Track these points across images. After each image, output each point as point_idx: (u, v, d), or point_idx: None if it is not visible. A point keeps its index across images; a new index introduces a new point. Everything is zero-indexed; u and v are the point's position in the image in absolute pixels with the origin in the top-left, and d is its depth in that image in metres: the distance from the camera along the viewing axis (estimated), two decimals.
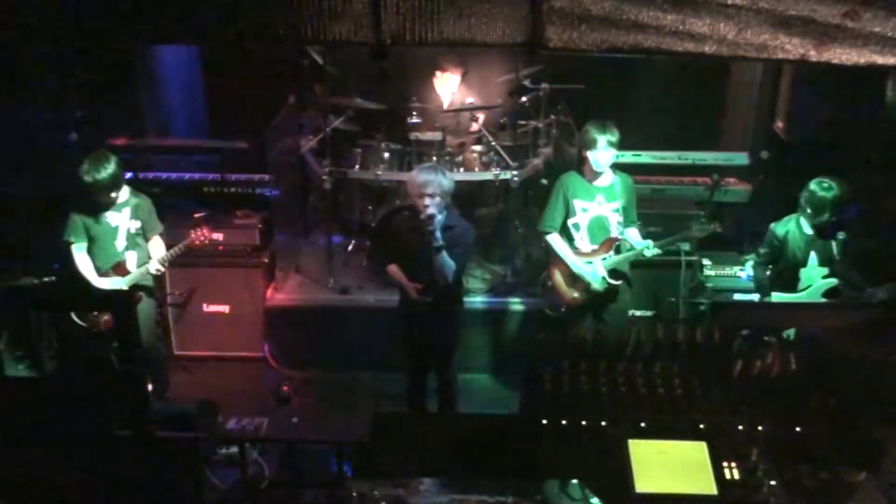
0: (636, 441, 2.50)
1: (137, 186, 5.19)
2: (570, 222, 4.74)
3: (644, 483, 2.40)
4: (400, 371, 4.99)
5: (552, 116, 6.11)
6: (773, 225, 4.73)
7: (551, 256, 4.91)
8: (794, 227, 4.63)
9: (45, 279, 4.96)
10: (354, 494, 2.42)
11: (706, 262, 5.74)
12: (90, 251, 4.73)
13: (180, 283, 5.72)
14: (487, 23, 2.39)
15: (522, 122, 6.29)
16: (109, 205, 4.67)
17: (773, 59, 2.46)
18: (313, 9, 2.38)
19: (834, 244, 4.58)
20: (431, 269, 4.37)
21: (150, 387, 4.95)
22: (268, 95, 6.35)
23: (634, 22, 2.37)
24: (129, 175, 5.77)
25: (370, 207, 6.18)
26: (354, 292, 5.85)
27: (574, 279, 4.79)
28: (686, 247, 5.51)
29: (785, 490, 2.39)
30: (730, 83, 6.96)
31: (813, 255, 4.62)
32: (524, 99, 6.08)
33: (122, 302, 4.75)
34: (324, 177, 5.73)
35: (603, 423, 2.57)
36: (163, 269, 4.83)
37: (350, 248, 6.39)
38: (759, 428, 2.57)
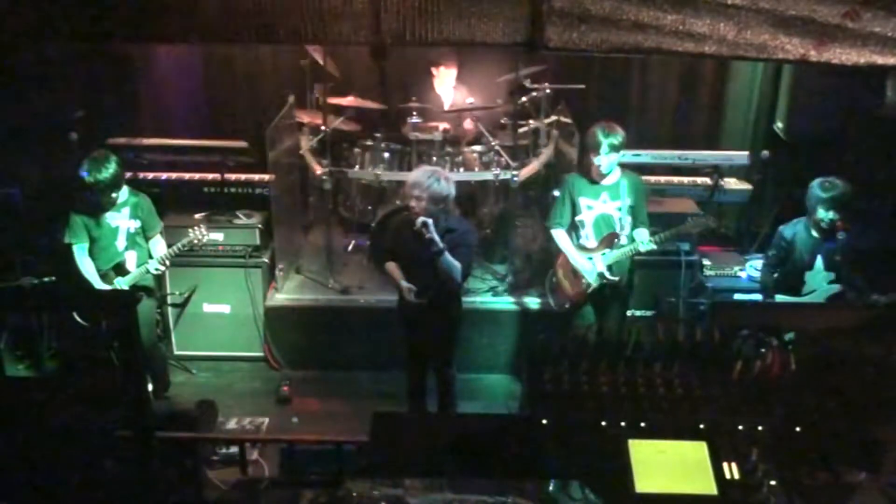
0: (636, 441, 2.50)
1: (137, 186, 5.19)
2: (576, 219, 4.82)
3: (644, 483, 2.39)
4: (400, 371, 5.00)
5: (552, 116, 6.11)
6: (781, 227, 4.77)
7: (557, 252, 4.97)
8: (801, 230, 4.65)
9: (45, 279, 4.96)
10: (354, 494, 2.42)
11: (706, 262, 5.74)
12: (91, 251, 4.73)
13: (180, 283, 5.72)
14: (487, 23, 2.39)
15: (522, 122, 6.29)
16: (110, 205, 4.67)
17: (773, 59, 2.46)
18: (313, 9, 2.38)
19: (838, 245, 4.59)
20: (429, 269, 4.37)
21: (150, 387, 4.98)
22: (268, 95, 6.35)
23: (634, 22, 2.37)
24: (128, 175, 5.78)
25: (370, 207, 6.18)
26: (354, 292, 5.85)
27: (576, 274, 4.84)
28: (686, 247, 5.52)
29: (785, 490, 2.39)
30: (730, 83, 6.97)
31: (819, 259, 4.62)
32: (524, 99, 6.08)
33: (122, 302, 4.76)
34: (324, 177, 5.73)
35: (603, 423, 2.56)
36: (162, 268, 4.84)
37: (350, 248, 6.39)
38: (759, 428, 2.56)
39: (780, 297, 4.77)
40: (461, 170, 5.88)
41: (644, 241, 4.65)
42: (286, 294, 5.89)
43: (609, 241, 4.76)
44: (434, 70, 6.28)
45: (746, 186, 6.21)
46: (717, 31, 2.39)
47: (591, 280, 4.77)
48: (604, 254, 4.76)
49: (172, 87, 6.93)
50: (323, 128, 5.77)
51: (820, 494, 2.43)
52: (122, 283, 4.71)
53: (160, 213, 5.06)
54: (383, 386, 5.44)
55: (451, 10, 2.36)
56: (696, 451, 2.49)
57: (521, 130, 6.27)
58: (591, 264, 4.76)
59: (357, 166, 5.92)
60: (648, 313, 5.72)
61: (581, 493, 2.54)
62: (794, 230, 4.69)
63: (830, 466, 2.49)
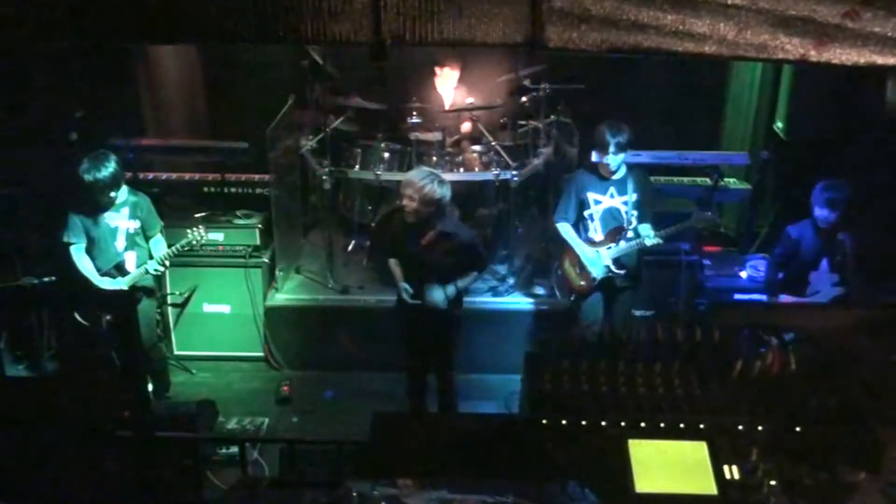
0: (636, 441, 2.50)
1: (137, 186, 5.19)
2: (585, 213, 4.91)
3: (644, 483, 2.39)
4: (400, 371, 5.00)
5: (552, 116, 6.11)
6: (788, 227, 4.81)
7: (563, 245, 5.05)
8: (808, 231, 4.69)
9: (45, 279, 4.96)
10: (354, 494, 2.42)
11: (706, 262, 5.74)
12: (90, 252, 4.73)
13: (180, 283, 5.72)
14: (487, 23, 2.38)
15: (522, 122, 6.29)
16: (109, 204, 4.67)
17: (773, 59, 2.45)
18: (313, 9, 2.38)
19: (842, 246, 4.61)
20: (427, 269, 4.38)
21: (150, 387, 4.99)
22: (268, 95, 6.35)
23: (634, 22, 2.37)
24: (128, 175, 5.78)
25: (370, 207, 6.18)
26: (354, 292, 5.86)
27: (581, 267, 4.91)
28: (686, 247, 5.53)
29: (785, 490, 2.39)
30: (730, 83, 6.97)
31: (824, 261, 4.65)
32: (524, 99, 6.09)
33: (122, 302, 4.76)
34: (324, 177, 5.73)
35: (603, 423, 2.56)
36: (162, 269, 4.84)
37: (350, 248, 6.39)
38: (759, 428, 2.56)
39: (783, 297, 4.80)
40: (461, 170, 5.88)
41: (650, 235, 4.72)
42: (286, 294, 5.89)
43: (615, 234, 4.83)
44: (437, 70, 6.28)
45: (746, 186, 6.22)
46: (717, 31, 2.39)
47: (596, 272, 4.84)
48: (610, 247, 4.83)
49: (172, 88, 6.93)
50: (323, 128, 5.77)
51: (820, 494, 2.42)
52: (121, 284, 4.71)
53: (160, 214, 5.06)
54: (383, 386, 5.44)
55: (451, 10, 2.36)
56: (696, 451, 2.49)
57: (521, 130, 6.27)
58: (597, 256, 4.84)
59: (357, 166, 5.92)
60: (648, 313, 5.72)
61: (581, 493, 2.54)
62: (800, 231, 4.73)
63: (830, 466, 2.48)
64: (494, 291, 5.88)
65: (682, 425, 2.57)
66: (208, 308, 5.82)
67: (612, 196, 4.81)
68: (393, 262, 4.60)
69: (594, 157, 4.84)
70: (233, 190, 6.13)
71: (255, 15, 2.40)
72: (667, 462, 2.46)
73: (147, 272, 4.76)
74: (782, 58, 2.43)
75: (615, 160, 4.68)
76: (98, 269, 4.73)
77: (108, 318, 4.69)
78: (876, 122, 4.95)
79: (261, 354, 5.85)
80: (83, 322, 4.74)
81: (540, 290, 5.87)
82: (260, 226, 5.80)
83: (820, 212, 4.55)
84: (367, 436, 2.69)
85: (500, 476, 2.53)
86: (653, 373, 2.74)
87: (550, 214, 5.51)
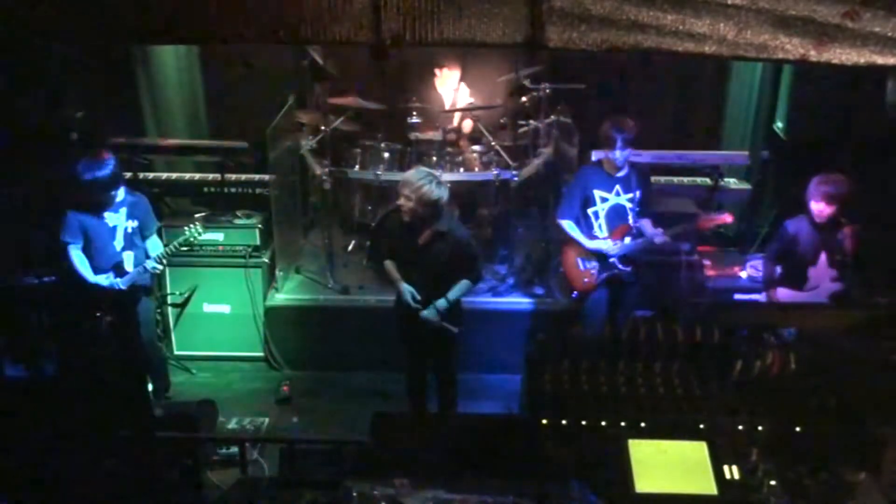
0: (636, 441, 2.50)
1: (137, 186, 5.19)
2: (589, 211, 4.89)
3: (644, 483, 2.40)
4: (400, 371, 4.99)
5: (552, 116, 6.11)
6: (786, 221, 4.81)
7: (564, 243, 5.04)
8: (805, 226, 4.69)
9: (45, 279, 4.96)
10: (354, 494, 2.42)
11: (706, 262, 5.74)
12: (88, 252, 4.72)
13: (180, 283, 5.73)
14: (487, 23, 2.39)
15: (522, 122, 6.29)
16: (107, 204, 4.67)
17: (773, 59, 2.46)
18: (313, 9, 2.38)
19: (841, 243, 4.62)
20: (426, 271, 4.38)
21: (150, 387, 4.99)
22: (268, 95, 6.35)
23: (634, 22, 2.37)
24: (128, 175, 5.78)
25: (370, 207, 6.18)
26: (354, 292, 5.85)
27: (585, 262, 4.92)
28: (686, 247, 5.52)
29: (785, 490, 2.39)
30: (730, 83, 6.97)
31: (822, 256, 4.65)
32: (524, 99, 6.09)
33: (121, 302, 4.77)
34: (324, 177, 5.73)
35: (603, 423, 2.57)
36: (160, 267, 4.83)
37: (350, 248, 6.39)
38: (759, 428, 2.57)
39: (782, 291, 4.80)
40: (461, 170, 5.88)
41: (658, 234, 4.74)
42: (286, 294, 5.89)
43: (621, 232, 4.84)
44: (437, 71, 6.28)
45: (746, 186, 6.22)
46: (717, 31, 2.39)
47: (612, 252, 4.83)
48: (616, 244, 4.85)
49: (173, 87, 6.93)
50: (323, 128, 5.77)
51: (820, 494, 2.42)
52: (120, 284, 4.71)
53: (160, 213, 5.06)
54: (383, 386, 5.44)
55: (451, 10, 2.37)
56: (696, 451, 2.49)
57: (521, 130, 6.27)
58: (607, 245, 4.85)
59: (357, 166, 5.92)
60: (648, 313, 5.72)
61: (581, 493, 2.54)
62: (797, 225, 4.73)
63: (830, 466, 2.49)
64: (494, 291, 5.88)
65: (682, 425, 2.57)
66: (208, 308, 5.81)
67: (617, 194, 4.82)
68: (389, 264, 4.58)
69: (596, 154, 4.84)
70: (233, 190, 6.12)
71: (255, 15, 2.40)
72: (667, 462, 2.46)
73: (145, 271, 4.76)
74: (782, 58, 2.43)
75: (622, 155, 4.69)
76: (96, 269, 4.72)
77: (108, 318, 4.69)
78: (876, 121, 4.96)
79: (261, 354, 5.84)
80: (83, 322, 4.73)
81: (539, 290, 5.87)
82: (260, 226, 5.79)
83: (815, 206, 4.56)
84: (367, 436, 2.69)
85: (500, 476, 2.54)
86: (653, 373, 2.75)
87: (551, 214, 5.50)
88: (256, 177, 6.17)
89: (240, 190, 6.16)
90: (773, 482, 2.39)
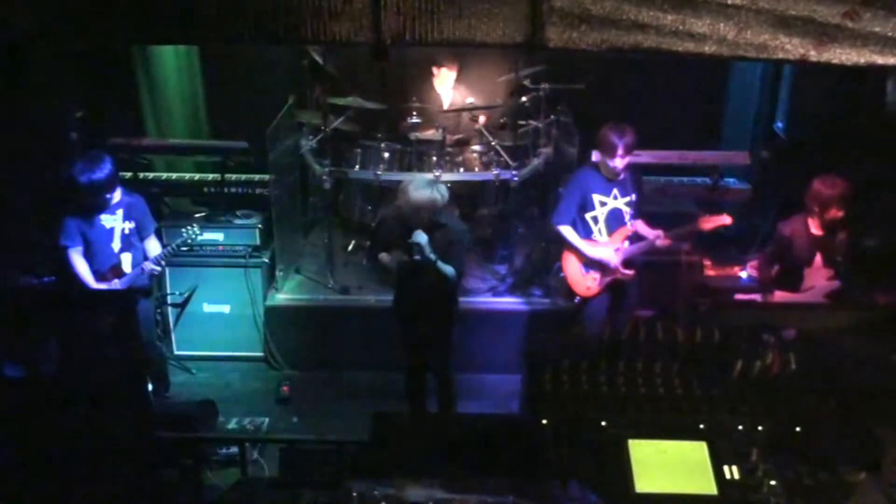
0: (636, 441, 2.50)
1: (137, 186, 5.18)
2: (588, 216, 4.85)
3: (644, 483, 2.39)
4: (400, 371, 4.99)
5: (552, 116, 6.11)
6: (780, 224, 4.78)
7: (564, 248, 4.99)
8: (801, 227, 4.67)
9: (45, 279, 4.96)
10: (354, 494, 2.42)
11: (706, 262, 5.74)
12: (86, 255, 4.71)
13: (180, 283, 5.73)
14: (487, 23, 2.39)
15: (522, 122, 6.29)
16: (104, 206, 4.65)
17: (773, 59, 2.46)
18: (313, 9, 2.38)
19: (838, 243, 4.61)
20: (424, 270, 4.37)
21: (150, 387, 4.98)
22: (268, 95, 6.35)
23: (634, 22, 2.37)
24: (128, 175, 5.78)
25: (370, 207, 6.18)
26: (354, 292, 5.86)
27: (587, 268, 4.89)
28: (686, 247, 5.52)
29: (785, 490, 2.39)
30: (730, 83, 6.96)
31: (818, 257, 4.64)
32: (524, 99, 6.09)
33: (121, 302, 4.76)
34: (324, 177, 5.73)
35: (603, 423, 2.56)
36: (158, 269, 4.81)
37: (350, 248, 6.39)
38: (759, 428, 2.56)
39: (778, 294, 4.79)
40: (461, 170, 5.88)
41: (659, 236, 4.74)
42: (286, 294, 5.89)
43: (622, 236, 4.82)
44: (434, 70, 6.28)
45: (746, 186, 6.22)
46: (717, 31, 2.39)
47: (612, 262, 4.79)
48: (618, 249, 4.83)
49: (172, 87, 6.93)
50: (323, 128, 5.77)
51: (820, 494, 2.42)
52: (118, 285, 4.70)
53: (160, 214, 5.06)
54: (383, 386, 5.44)
55: (451, 10, 2.37)
56: (696, 451, 2.49)
57: (521, 130, 6.27)
58: (609, 254, 4.81)
59: (357, 166, 5.92)
60: (648, 313, 5.72)
61: (581, 493, 2.54)
62: (793, 227, 4.70)
63: (830, 466, 2.49)
64: (494, 291, 5.88)
65: (682, 425, 2.57)
66: (208, 308, 5.82)
67: (615, 197, 4.80)
68: (383, 255, 4.59)
69: (595, 156, 4.82)
70: (233, 190, 6.12)
71: (255, 15, 2.40)
72: (667, 462, 2.46)
73: (143, 272, 4.75)
74: (782, 58, 2.43)
75: (622, 163, 4.66)
76: (94, 272, 4.71)
77: (107, 318, 4.68)
78: (876, 121, 4.96)
79: (261, 354, 5.84)
80: (83, 322, 4.73)
81: (539, 291, 5.87)
82: (260, 226, 5.79)
83: (819, 210, 4.53)
84: (367, 436, 2.69)
85: (500, 476, 2.54)
86: (653, 373, 2.74)
87: (550, 215, 5.48)
88: (256, 177, 6.17)
89: (240, 190, 6.16)
90: (773, 482, 2.39)
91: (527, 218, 6.57)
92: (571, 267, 4.97)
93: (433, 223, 4.37)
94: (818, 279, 4.69)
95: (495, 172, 5.74)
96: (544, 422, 2.58)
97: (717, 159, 6.13)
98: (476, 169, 5.94)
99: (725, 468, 2.43)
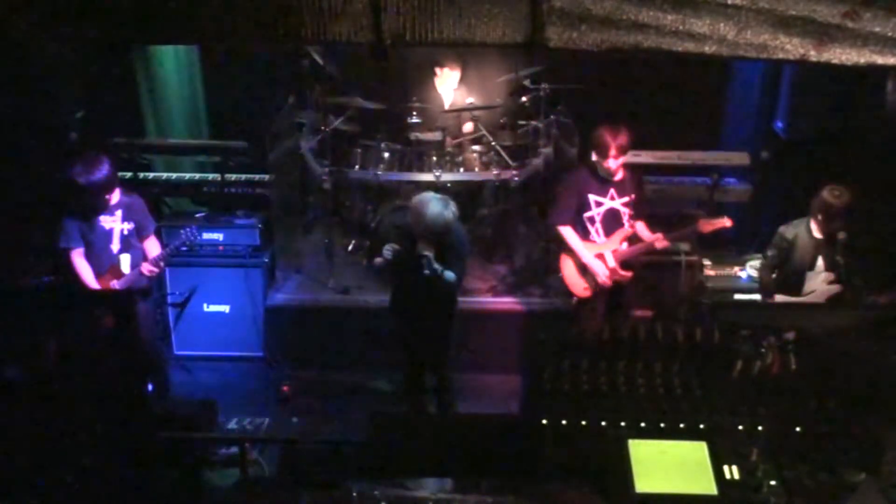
0: (636, 441, 2.50)
1: (137, 186, 5.18)
2: (585, 216, 4.83)
3: (644, 483, 2.40)
4: (400, 371, 5.00)
5: (552, 116, 6.11)
6: (782, 227, 4.77)
7: (562, 249, 4.98)
8: (803, 231, 4.67)
9: (45, 279, 4.96)
10: (354, 494, 2.42)
11: (706, 262, 5.74)
12: (85, 255, 4.70)
13: (180, 283, 5.72)
14: (487, 23, 2.39)
15: (522, 122, 6.29)
16: (103, 207, 4.63)
17: (773, 59, 2.46)
18: (313, 9, 2.38)
19: (839, 248, 4.61)
20: (419, 268, 4.35)
21: (150, 387, 4.98)
22: (268, 95, 6.36)
23: (634, 22, 2.37)
24: (128, 175, 5.78)
25: (370, 207, 6.18)
26: (354, 292, 5.85)
27: (584, 270, 4.86)
28: (686, 247, 5.52)
29: (785, 490, 2.39)
30: (730, 83, 6.96)
31: (820, 260, 4.64)
32: (524, 99, 6.09)
33: (121, 303, 4.76)
34: (324, 177, 5.72)
35: (603, 423, 2.57)
36: (157, 270, 4.80)
37: (350, 248, 6.39)
38: (759, 428, 2.57)
39: (779, 298, 4.79)
40: (461, 170, 5.88)
41: (658, 238, 4.71)
42: (286, 294, 5.89)
43: (620, 237, 4.81)
44: (437, 70, 6.28)
45: (746, 187, 6.22)
46: (717, 31, 2.39)
47: (603, 277, 4.77)
48: (616, 250, 4.81)
49: (172, 87, 6.93)
50: (323, 128, 5.77)
51: (820, 494, 2.42)
52: (117, 286, 4.69)
53: (160, 214, 5.05)
54: (383, 386, 5.44)
55: (451, 10, 2.37)
56: (696, 451, 2.49)
57: (521, 130, 6.27)
58: (604, 259, 4.79)
59: (357, 166, 5.92)
60: (648, 313, 5.72)
61: (581, 493, 2.54)
62: (795, 231, 4.70)
63: (830, 466, 2.49)
64: (494, 291, 5.88)
65: (682, 425, 2.57)
66: (208, 308, 5.82)
67: (612, 198, 4.78)
68: (379, 259, 4.55)
69: (594, 156, 4.82)
70: (233, 190, 6.12)
71: (255, 15, 2.40)
72: (667, 462, 2.46)
73: (141, 274, 4.74)
74: (782, 58, 2.43)
75: (616, 163, 4.65)
76: (94, 273, 4.70)
77: (107, 318, 4.68)
78: (876, 121, 4.96)
79: (261, 354, 5.84)
80: (83, 322, 4.72)
81: (539, 291, 5.87)
82: (260, 226, 5.79)
83: (826, 219, 4.52)
84: (367, 436, 2.69)
85: (500, 476, 2.54)
86: (653, 373, 2.74)
87: (549, 215, 5.47)
88: (256, 177, 6.17)
89: (240, 190, 6.16)
90: (773, 482, 2.39)
91: (527, 218, 6.57)
92: (568, 268, 4.95)
93: (440, 238, 4.34)
94: (819, 283, 4.69)
95: (495, 172, 5.74)
96: (544, 422, 2.58)
97: (717, 159, 6.13)
98: (476, 169, 5.94)
99: (725, 468, 2.43)
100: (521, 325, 5.71)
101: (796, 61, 2.41)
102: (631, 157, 4.89)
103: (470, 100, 6.30)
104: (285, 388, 5.49)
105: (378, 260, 4.49)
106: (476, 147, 6.03)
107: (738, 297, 5.53)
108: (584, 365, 2.75)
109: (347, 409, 5.24)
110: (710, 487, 2.39)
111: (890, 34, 2.37)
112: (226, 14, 2.40)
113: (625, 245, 4.82)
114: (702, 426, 2.56)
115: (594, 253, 4.81)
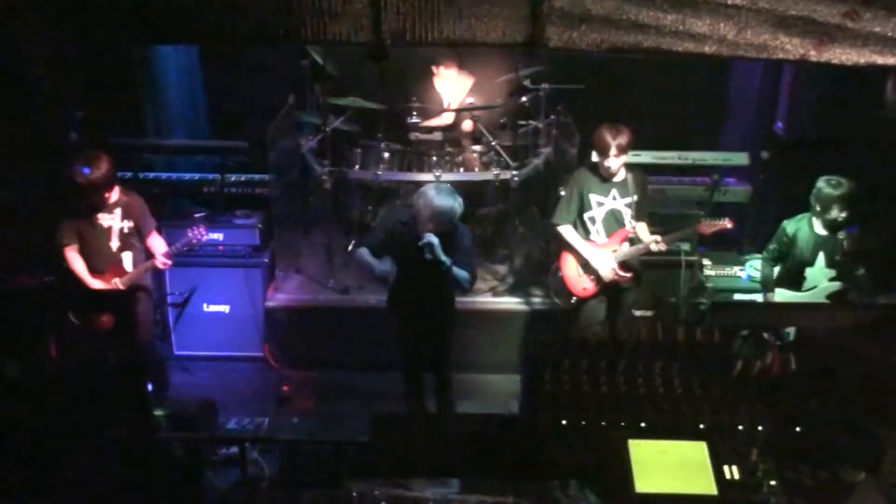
0: (636, 441, 2.50)
1: (137, 186, 5.17)
2: (586, 216, 4.84)
3: (644, 483, 2.40)
4: (400, 371, 4.99)
5: (552, 116, 6.11)
6: (784, 222, 4.79)
7: (562, 248, 4.99)
8: (804, 226, 4.69)
9: (45, 279, 4.96)
10: (354, 494, 2.42)
11: (706, 262, 5.74)
12: (85, 253, 4.71)
13: (180, 283, 5.72)
14: (487, 23, 2.38)
15: (522, 122, 6.29)
16: (102, 205, 4.65)
17: (773, 59, 2.45)
18: (313, 9, 2.37)
19: (840, 243, 4.61)
20: (425, 271, 4.34)
21: (150, 387, 4.98)
22: (268, 95, 6.36)
23: (634, 22, 2.37)
24: (128, 175, 5.78)
25: (370, 207, 6.18)
26: (354, 292, 5.86)
27: (585, 269, 4.87)
28: (686, 247, 5.52)
29: (785, 490, 2.39)
30: (730, 83, 6.96)
31: (821, 256, 4.65)
32: (524, 99, 6.08)
33: (121, 302, 4.76)
34: (324, 177, 5.73)
35: (603, 423, 2.57)
36: (170, 262, 4.81)
37: (350, 248, 6.39)
38: (759, 428, 2.57)
39: (780, 292, 4.80)
40: (461, 170, 5.88)
41: (656, 240, 4.70)
42: (286, 294, 5.89)
43: (620, 238, 4.81)
44: (434, 69, 6.28)
45: (746, 187, 6.22)
46: (717, 31, 2.39)
47: (606, 272, 4.78)
48: (615, 250, 4.80)
49: (172, 87, 6.93)
50: (323, 128, 5.77)
51: (820, 494, 2.43)
52: (118, 284, 4.70)
53: (160, 213, 5.05)
54: (383, 386, 5.43)
55: (451, 10, 2.36)
56: (696, 451, 2.49)
57: (521, 130, 6.27)
58: (607, 258, 4.79)
59: (357, 166, 5.92)
60: (648, 313, 5.72)
61: (581, 493, 2.54)
62: (796, 226, 4.72)
63: (830, 466, 2.49)
64: (494, 291, 5.88)
65: (682, 425, 2.57)
66: (208, 308, 5.82)
67: (614, 198, 4.79)
68: (362, 252, 4.50)
69: (594, 157, 4.82)
70: (233, 190, 6.12)
71: (255, 15, 2.40)
72: (667, 462, 2.46)
73: (146, 271, 4.75)
74: (782, 58, 2.43)
75: (616, 163, 4.65)
76: (93, 271, 4.71)
77: (106, 318, 4.68)
78: (876, 122, 4.96)
79: (261, 354, 5.84)
80: (83, 322, 4.72)
81: (539, 291, 5.87)
82: (260, 226, 5.79)
83: (831, 211, 4.52)
84: (367, 436, 2.69)
85: (500, 476, 2.54)
86: (653, 373, 2.74)
87: (550, 215, 5.47)
88: (256, 177, 6.17)
89: (240, 190, 6.16)
90: (773, 482, 2.39)
91: (527, 218, 6.57)
92: (569, 267, 4.97)
93: (445, 230, 4.33)
94: (820, 279, 4.70)
95: (495, 172, 5.74)
96: (544, 422, 2.58)
97: (717, 159, 6.13)
98: (476, 169, 5.94)
99: (725, 468, 2.43)
100: (521, 325, 5.71)
101: (796, 61, 2.41)
102: (631, 157, 4.89)
103: (470, 100, 6.30)
104: (285, 388, 5.50)
105: (363, 251, 4.45)
106: (476, 147, 6.03)
107: (738, 297, 5.53)
108: (584, 365, 2.75)
109: (347, 409, 5.24)
110: (710, 487, 2.39)
111: (890, 34, 2.37)
112: (226, 14, 2.40)
113: (625, 245, 4.82)
114: (702, 426, 2.56)
115: (597, 251, 4.82)
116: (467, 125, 6.27)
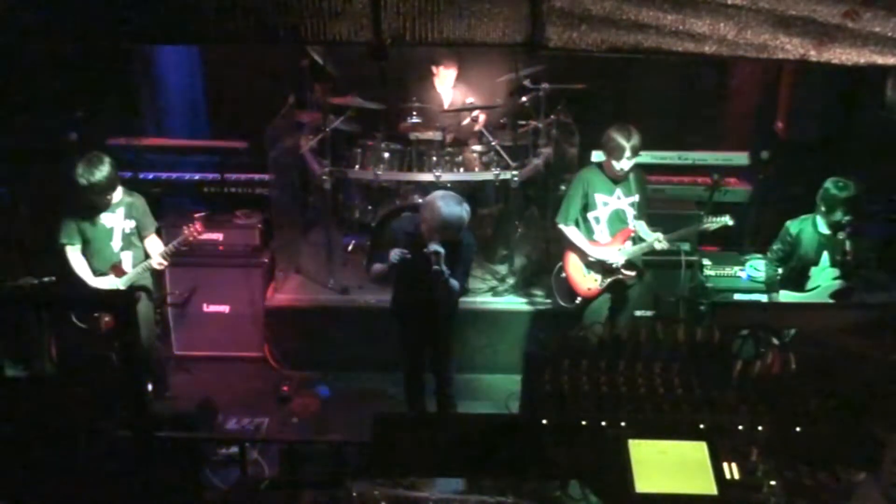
0: (636, 441, 2.50)
1: (137, 186, 5.17)
2: (590, 215, 4.85)
3: (644, 483, 2.39)
4: (400, 371, 4.99)
5: (552, 116, 6.11)
6: (788, 222, 4.79)
7: (566, 248, 5.00)
8: (808, 226, 4.70)
9: (45, 279, 4.96)
10: (354, 494, 2.42)
11: (706, 262, 5.75)
12: (86, 253, 4.71)
13: (180, 283, 5.72)
14: (487, 23, 2.38)
15: (522, 122, 6.29)
16: (104, 206, 4.66)
17: (773, 59, 2.45)
18: (313, 9, 2.37)
19: (844, 243, 4.62)
20: (425, 274, 4.34)
21: (150, 387, 4.98)
22: (268, 95, 6.36)
23: (634, 22, 2.37)
24: (128, 175, 5.78)
25: (370, 207, 6.18)
26: (354, 292, 5.85)
27: (589, 269, 4.88)
28: (686, 247, 5.53)
29: (785, 490, 2.39)
30: (730, 83, 6.96)
31: (825, 256, 4.66)
32: (524, 99, 6.08)
33: (121, 302, 4.76)
34: (324, 177, 5.72)
35: (603, 423, 2.56)
36: (165, 262, 4.82)
37: (350, 248, 6.39)
38: (759, 428, 2.56)
39: (784, 293, 4.80)
40: (461, 170, 5.88)
41: (660, 238, 4.72)
42: (286, 294, 5.89)
43: (623, 237, 4.82)
44: (434, 69, 6.28)
45: (746, 187, 6.22)
46: (717, 31, 2.39)
47: (616, 262, 4.79)
48: (620, 249, 4.81)
49: (172, 87, 6.93)
50: (323, 128, 5.77)
51: (820, 494, 2.43)
52: (119, 284, 4.71)
53: (160, 213, 5.05)
54: (383, 386, 5.45)
55: (451, 10, 2.36)
56: (696, 451, 2.49)
57: (521, 130, 6.27)
58: (614, 257, 4.81)
59: (357, 166, 5.92)
60: (648, 313, 5.72)
61: (581, 493, 2.54)
62: (800, 226, 4.73)
63: (830, 466, 2.49)
64: (494, 292, 5.88)
65: (682, 425, 2.57)
66: (208, 308, 5.82)
67: (618, 198, 4.80)
68: (377, 268, 4.49)
69: (596, 156, 4.82)
70: (233, 190, 6.12)
71: (255, 15, 2.40)
72: (667, 462, 2.46)
73: (145, 270, 4.75)
74: (782, 58, 2.43)
75: (629, 165, 4.66)
76: (95, 270, 4.72)
77: (106, 318, 4.68)
78: (876, 121, 4.96)
79: (261, 354, 5.84)
80: (80, 325, 4.73)
81: (540, 291, 5.87)
82: (260, 226, 5.79)
83: (828, 210, 4.53)
84: (367, 436, 2.69)
85: (500, 476, 2.54)
86: (653, 373, 2.74)
87: (550, 215, 5.48)
88: (256, 177, 6.16)
89: (240, 190, 6.16)
90: (773, 482, 2.39)
91: (527, 218, 6.57)
92: (573, 267, 4.98)
93: (451, 238, 4.32)
94: (824, 278, 4.70)
95: (495, 172, 5.74)
96: (544, 422, 2.58)
97: (717, 159, 6.13)
98: (476, 169, 5.94)
99: (725, 468, 2.43)
100: (521, 325, 5.71)
101: (796, 61, 2.41)
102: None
103: (470, 100, 6.30)
104: (285, 388, 5.50)
105: (378, 266, 4.45)
106: (476, 147, 6.03)
107: (738, 297, 5.53)
108: (584, 365, 2.75)
109: (347, 409, 5.24)
110: (710, 487, 2.39)
111: (890, 34, 2.37)
112: (226, 14, 2.40)
113: (628, 244, 4.83)
114: (702, 426, 2.56)
115: (602, 250, 4.84)
116: (478, 121, 6.23)
